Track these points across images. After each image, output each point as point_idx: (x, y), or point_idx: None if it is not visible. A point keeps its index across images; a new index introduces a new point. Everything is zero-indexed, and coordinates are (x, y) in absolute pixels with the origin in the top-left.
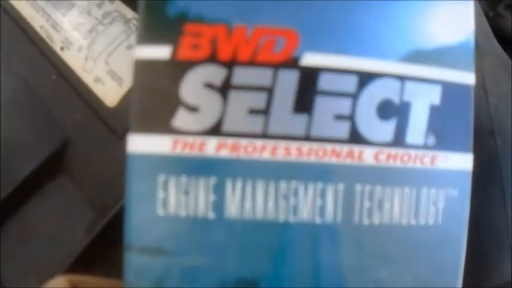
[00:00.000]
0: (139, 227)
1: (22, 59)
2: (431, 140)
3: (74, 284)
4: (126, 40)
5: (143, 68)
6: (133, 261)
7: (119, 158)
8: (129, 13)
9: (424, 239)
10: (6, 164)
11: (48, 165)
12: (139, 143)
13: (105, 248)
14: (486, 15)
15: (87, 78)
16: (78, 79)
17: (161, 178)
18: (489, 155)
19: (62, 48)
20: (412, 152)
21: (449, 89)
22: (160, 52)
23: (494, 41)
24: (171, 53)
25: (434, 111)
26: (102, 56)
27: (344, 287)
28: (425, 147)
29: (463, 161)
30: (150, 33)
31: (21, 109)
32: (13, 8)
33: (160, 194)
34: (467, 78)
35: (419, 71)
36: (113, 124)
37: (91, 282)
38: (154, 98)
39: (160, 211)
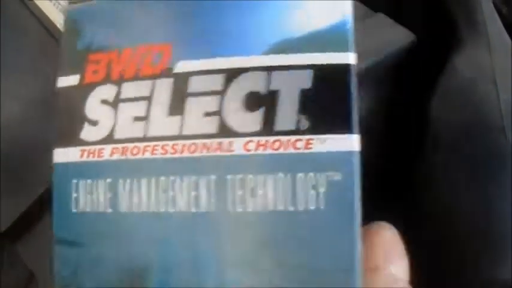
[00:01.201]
0: (60, 223)
1: (49, 60)
2: (304, 124)
3: None
4: None
5: (61, 94)
6: (58, 251)
7: None
8: None
9: (306, 225)
10: (38, 162)
11: None
12: (59, 155)
13: None
14: (499, 12)
15: None
16: None
17: (74, 181)
18: (500, 151)
19: None
20: (283, 138)
21: (322, 72)
22: (72, 80)
23: (507, 37)
24: (79, 80)
25: (305, 95)
26: None
27: (226, 277)
28: (298, 132)
29: (344, 143)
30: (66, 65)
31: (49, 110)
32: (39, 10)
33: (74, 195)
34: (343, 58)
35: (286, 60)
36: None
37: None
38: (68, 117)
39: (74, 209)
